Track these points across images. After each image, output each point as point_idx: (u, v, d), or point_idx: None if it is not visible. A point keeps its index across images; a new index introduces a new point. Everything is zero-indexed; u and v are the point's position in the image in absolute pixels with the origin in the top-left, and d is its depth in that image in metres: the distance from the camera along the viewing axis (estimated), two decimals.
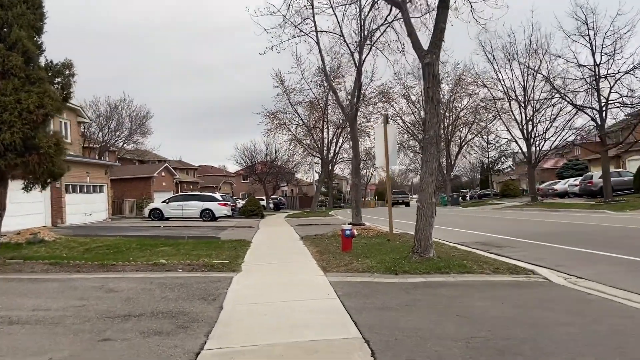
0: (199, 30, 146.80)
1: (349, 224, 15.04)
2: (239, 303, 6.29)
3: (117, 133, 36.13)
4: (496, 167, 55.88)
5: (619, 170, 32.53)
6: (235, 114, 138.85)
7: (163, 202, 29.79)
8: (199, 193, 33.62)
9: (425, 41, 9.24)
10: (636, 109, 26.68)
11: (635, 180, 26.15)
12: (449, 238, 13.56)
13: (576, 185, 33.63)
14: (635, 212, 19.77)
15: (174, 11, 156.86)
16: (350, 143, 46.65)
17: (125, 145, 37.70)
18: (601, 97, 23.81)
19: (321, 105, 35.92)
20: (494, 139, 51.70)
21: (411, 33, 9.09)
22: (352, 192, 15.42)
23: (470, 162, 60.31)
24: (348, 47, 13.99)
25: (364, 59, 14.26)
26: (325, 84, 34.48)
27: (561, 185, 37.53)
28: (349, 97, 15.00)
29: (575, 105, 25.66)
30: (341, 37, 13.81)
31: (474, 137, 45.80)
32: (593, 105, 24.66)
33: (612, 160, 40.28)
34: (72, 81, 9.87)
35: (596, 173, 32.26)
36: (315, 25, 14.06)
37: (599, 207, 22.93)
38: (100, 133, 35.97)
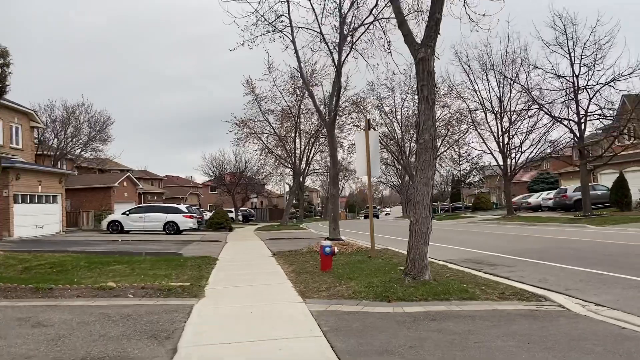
0: (170, 41, 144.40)
1: (326, 239, 13.82)
2: (198, 344, 4.96)
3: (75, 139, 33.87)
4: (467, 180, 55.70)
5: (593, 184, 32.42)
6: (205, 124, 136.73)
7: (123, 213, 27.87)
8: (162, 204, 31.80)
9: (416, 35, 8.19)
10: (614, 121, 26.57)
11: (611, 194, 25.89)
12: (434, 254, 12.47)
13: (550, 199, 33.40)
14: (618, 227, 19.24)
15: (145, 20, 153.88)
16: (322, 154, 45.86)
17: (83, 152, 35.41)
18: (580, 109, 23.47)
19: (293, 113, 34.73)
20: (465, 152, 51.63)
21: (402, 23, 8.04)
22: (330, 204, 14.23)
23: (441, 174, 60.05)
24: (327, 45, 12.90)
25: (345, 59, 13.21)
26: (298, 92, 33.43)
27: (534, 199, 37.33)
28: (326, 103, 13.84)
29: (553, 117, 25.33)
30: (319, 35, 12.70)
31: (446, 150, 45.37)
32: (571, 117, 24.32)
33: (588, 174, 40.47)
34: (7, 72, 8.36)
35: (570, 186, 32.11)
36: (290, 21, 12.93)
37: (578, 221, 22.42)
38: (56, 139, 33.67)
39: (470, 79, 31.50)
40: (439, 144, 48.52)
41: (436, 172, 61.82)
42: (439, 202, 72.77)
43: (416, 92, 7.86)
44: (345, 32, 12.90)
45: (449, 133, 43.59)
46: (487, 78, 30.56)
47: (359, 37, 12.75)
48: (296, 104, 34.13)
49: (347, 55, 13.32)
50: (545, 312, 6.15)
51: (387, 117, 47.45)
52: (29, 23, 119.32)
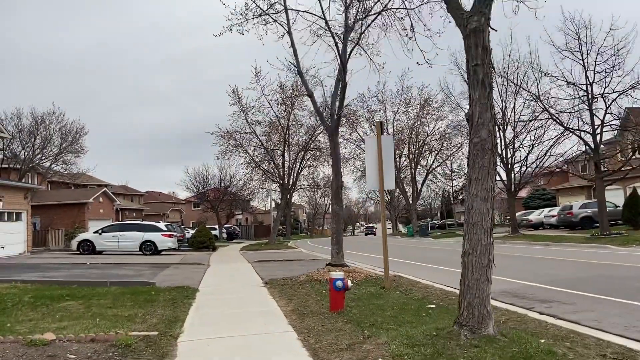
0: (155, 58, 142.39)
1: (327, 265, 11.66)
2: None
3: (44, 151, 31.22)
4: (460, 197, 54.06)
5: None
6: (190, 141, 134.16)
7: (95, 232, 25.35)
8: (139, 222, 29.29)
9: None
10: (617, 134, 25.09)
11: (624, 212, 24.22)
12: (456, 282, 10.44)
13: (553, 216, 31.71)
14: None
15: (129, 37, 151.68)
16: (310, 169, 43.68)
17: (53, 165, 32.75)
18: (594, 119, 21.86)
19: (282, 125, 32.66)
20: (458, 167, 50.08)
21: None
22: (332, 222, 12.10)
23: (434, 190, 58.40)
24: (331, 33, 10.84)
25: (351, 52, 11.21)
26: (288, 103, 31.45)
27: (536, 216, 35.63)
28: (327, 105, 11.79)
29: (567, 128, 23.65)
30: (322, 19, 10.66)
31: (440, 164, 43.75)
32: (584, 128, 22.72)
33: (586, 189, 39.05)
34: None
35: (576, 203, 30.46)
36: (285, 6, 10.96)
37: (597, 240, 20.57)
38: (23, 151, 30.94)
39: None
40: (431, 158, 46.93)
41: (428, 187, 60.30)
42: (428, 219, 71.09)
43: (467, 79, 5.84)
44: (351, 22, 10.99)
45: (443, 147, 41.96)
46: None
47: (366, 28, 10.81)
48: (285, 114, 32.11)
49: (354, 48, 11.41)
50: None
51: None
52: (12, 37, 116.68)
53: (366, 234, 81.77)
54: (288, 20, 11.42)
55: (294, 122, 32.90)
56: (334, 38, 10.97)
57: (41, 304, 8.77)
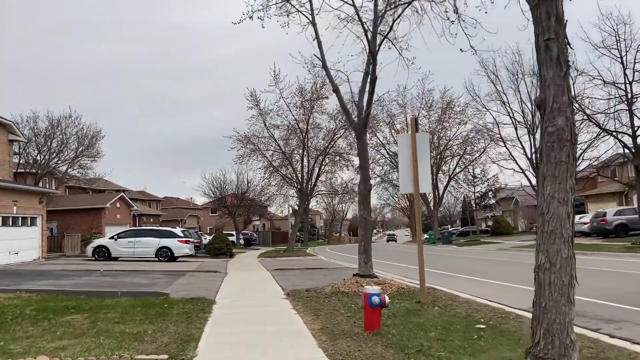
0: (178, 68, 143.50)
1: (355, 275, 10.69)
2: None
3: (60, 155, 30.81)
4: (483, 203, 52.56)
5: (635, 207, 29.25)
6: (209, 146, 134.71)
7: (111, 238, 24.79)
8: (155, 228, 28.62)
9: None
10: None
11: None
12: (499, 296, 9.40)
13: (585, 224, 30.23)
14: None
15: (155, 52, 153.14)
16: (327, 174, 42.65)
17: (70, 169, 32.31)
18: (634, 120, 20.56)
19: (301, 128, 31.82)
20: (481, 172, 48.73)
21: None
22: (360, 229, 11.13)
23: (454, 196, 56.96)
24: (360, 21, 9.91)
25: (381, 43, 10.24)
26: (307, 105, 30.64)
27: None
28: (354, 100, 10.86)
29: (605, 130, 22.33)
30: (349, 6, 9.76)
31: (462, 170, 42.45)
32: (622, 130, 21.40)
33: (618, 196, 37.39)
34: None
35: (609, 210, 28.97)
36: None
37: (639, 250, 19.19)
38: (39, 155, 30.56)
39: (497, 89, 28.60)
40: (454, 164, 45.42)
41: (449, 193, 58.90)
42: (448, 226, 69.35)
43: (537, 57, 4.88)
44: (382, 10, 10.08)
45: (467, 152, 40.71)
46: (517, 88, 27.71)
47: (399, 15, 9.87)
48: (304, 118, 31.29)
49: (383, 41, 10.47)
50: None
51: (399, 135, 44.70)
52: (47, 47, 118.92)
53: (388, 241, 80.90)
54: (312, 9, 10.58)
55: (313, 126, 32.08)
56: (363, 26, 10.04)
57: (43, 318, 7.99)
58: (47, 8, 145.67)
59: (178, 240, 24.16)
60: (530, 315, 7.60)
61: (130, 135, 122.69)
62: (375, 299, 6.46)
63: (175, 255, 23.86)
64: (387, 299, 6.63)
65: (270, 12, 10.41)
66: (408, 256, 26.92)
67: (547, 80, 4.72)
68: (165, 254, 23.66)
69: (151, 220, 47.17)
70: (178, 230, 25.89)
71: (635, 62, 19.91)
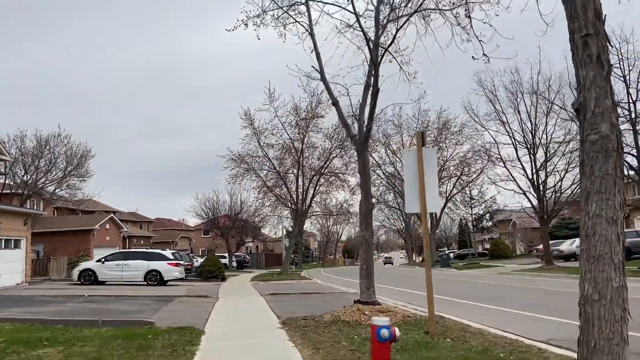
0: (174, 91, 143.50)
1: (357, 302, 9.90)
2: None
3: (48, 175, 29.93)
4: (480, 225, 51.91)
5: (638, 229, 28.69)
6: (203, 169, 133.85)
7: (98, 261, 23.88)
8: (144, 250, 27.70)
9: None
10: None
11: None
12: (517, 327, 8.64)
13: None
14: None
15: (149, 71, 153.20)
16: (322, 195, 41.96)
17: (57, 190, 31.41)
18: (639, 139, 20.11)
19: (296, 147, 31.24)
20: (478, 194, 48.20)
21: None
22: (361, 252, 10.41)
23: (451, 217, 56.32)
24: (362, 29, 9.32)
25: (383, 54, 9.71)
26: (302, 124, 30.14)
27: (567, 246, 33.28)
28: (355, 114, 10.24)
29: None
30: (352, 12, 9.21)
31: (460, 191, 41.94)
32: (627, 149, 20.94)
33: None
34: None
35: None
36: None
37: None
38: (26, 174, 29.63)
39: (496, 109, 28.21)
40: (450, 185, 44.82)
41: (446, 214, 58.28)
42: (445, 248, 68.48)
43: (572, 57, 4.30)
44: (384, 17, 9.56)
45: (464, 173, 40.26)
46: (517, 108, 27.32)
47: (403, 24, 9.30)
48: (299, 137, 30.74)
49: (384, 53, 9.94)
50: None
51: (394, 156, 44.35)
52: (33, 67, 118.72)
53: (385, 263, 79.96)
54: (310, 18, 10.04)
55: (308, 145, 31.53)
56: (364, 34, 9.48)
57: (12, 352, 7.17)
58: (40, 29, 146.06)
59: (168, 263, 23.28)
60: (554, 350, 6.89)
61: (123, 157, 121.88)
62: (385, 332, 5.70)
63: (165, 278, 22.96)
64: (397, 332, 5.87)
65: (267, 20, 9.89)
66: (408, 280, 26.07)
67: (587, 82, 4.12)
68: (154, 278, 22.78)
69: (141, 242, 46.09)
70: (168, 253, 25.00)
71: (638, 81, 19.62)
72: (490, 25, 8.00)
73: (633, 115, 20.25)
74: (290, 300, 15.11)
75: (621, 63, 20.10)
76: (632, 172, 21.72)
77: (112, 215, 38.79)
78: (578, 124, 4.30)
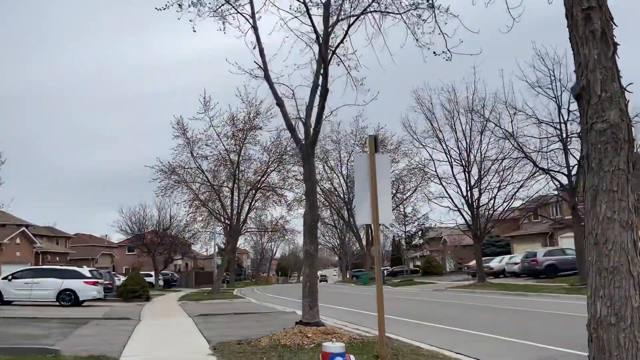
0: (101, 100, 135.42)
1: (299, 323, 8.89)
2: None
3: None
4: (412, 243, 52.57)
5: (563, 247, 29.82)
6: (133, 183, 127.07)
7: (4, 278, 21.22)
8: (57, 267, 25.09)
9: None
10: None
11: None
12: (470, 350, 8.01)
13: (516, 264, 30.33)
14: None
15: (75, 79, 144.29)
16: (257, 211, 40.58)
17: None
18: (569, 159, 20.78)
19: (231, 160, 29.88)
20: (411, 212, 48.83)
21: None
22: (304, 267, 9.49)
23: (385, 235, 56.60)
24: (311, 21, 8.53)
25: (332, 53, 8.94)
26: (240, 135, 28.93)
27: (497, 263, 34.17)
28: (301, 118, 9.39)
29: (541, 168, 22.46)
30: (298, 3, 8.43)
31: (395, 209, 42.13)
32: (558, 169, 21.60)
33: (542, 236, 38.38)
34: None
35: (540, 250, 29.26)
36: None
37: (580, 291, 18.80)
38: None
39: (434, 126, 28.57)
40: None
41: (380, 231, 59.41)
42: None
43: (570, 35, 3.65)
44: (336, 8, 8.90)
45: (400, 190, 40.56)
46: (453, 125, 27.76)
47: (351, 25, 8.67)
48: (236, 149, 29.44)
49: (334, 52, 9.18)
50: None
51: (332, 172, 44.07)
52: None
53: (320, 281, 79.07)
54: (253, 11, 9.13)
55: (245, 158, 30.27)
56: (314, 27, 8.68)
57: None
58: None
59: (84, 282, 21.05)
60: None
61: (44, 167, 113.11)
62: None
63: (81, 298, 20.72)
64: None
65: (204, 11, 8.87)
66: (347, 298, 25.33)
67: (590, 63, 3.50)
68: (68, 298, 20.49)
69: (57, 258, 42.34)
70: (85, 270, 22.68)
71: (569, 102, 20.34)
72: (454, 14, 7.51)
73: (564, 135, 20.98)
74: (223, 321, 13.84)
75: (553, 84, 20.91)
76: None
77: (24, 228, 35.31)
78: (579, 111, 3.69)
